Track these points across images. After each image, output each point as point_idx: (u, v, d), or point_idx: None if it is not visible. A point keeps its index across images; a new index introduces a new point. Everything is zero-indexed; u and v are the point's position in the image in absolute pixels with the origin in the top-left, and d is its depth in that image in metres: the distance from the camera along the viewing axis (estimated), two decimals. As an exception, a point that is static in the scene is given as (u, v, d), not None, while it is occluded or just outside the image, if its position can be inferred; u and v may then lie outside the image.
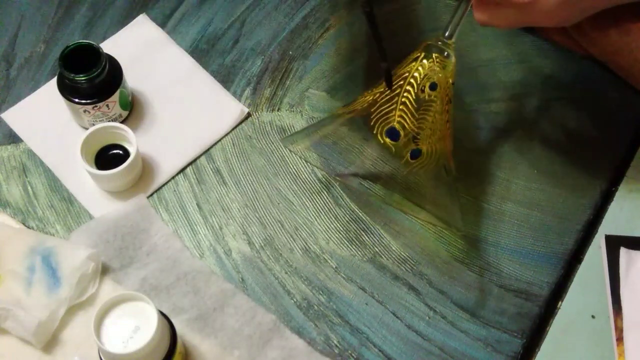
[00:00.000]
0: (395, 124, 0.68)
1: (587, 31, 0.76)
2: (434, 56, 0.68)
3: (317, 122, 0.78)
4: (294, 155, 0.79)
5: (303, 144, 0.77)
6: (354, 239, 0.75)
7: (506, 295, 0.73)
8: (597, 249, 0.75)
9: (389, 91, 0.68)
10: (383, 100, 0.69)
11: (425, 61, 0.68)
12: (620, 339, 0.70)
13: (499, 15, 0.66)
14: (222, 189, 0.77)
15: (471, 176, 0.78)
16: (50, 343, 0.69)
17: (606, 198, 0.77)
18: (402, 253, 0.75)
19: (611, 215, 0.76)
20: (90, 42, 0.75)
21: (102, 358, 0.62)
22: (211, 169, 0.78)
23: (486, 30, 0.79)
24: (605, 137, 0.80)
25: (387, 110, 0.69)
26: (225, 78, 0.83)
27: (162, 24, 0.86)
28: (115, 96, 0.76)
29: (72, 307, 0.69)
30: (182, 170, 0.78)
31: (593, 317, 0.72)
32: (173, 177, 0.78)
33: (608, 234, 0.75)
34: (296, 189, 0.77)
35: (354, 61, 0.84)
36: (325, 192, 0.77)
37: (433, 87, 0.68)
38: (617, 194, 0.77)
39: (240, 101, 0.82)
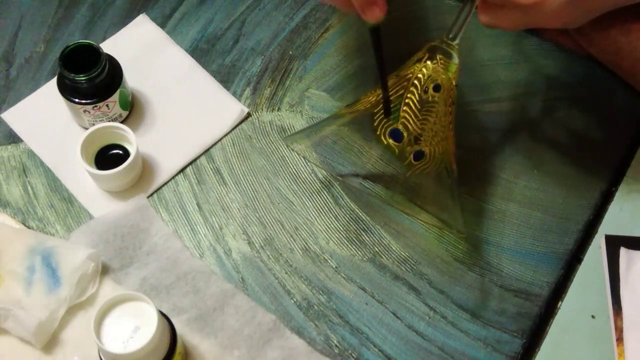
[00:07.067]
0: (398, 125, 0.68)
1: (587, 31, 0.76)
2: (437, 57, 0.68)
3: (319, 121, 0.78)
4: (294, 155, 0.79)
5: (304, 143, 0.77)
6: (354, 238, 0.75)
7: (506, 295, 0.73)
8: (597, 249, 0.75)
9: (392, 92, 0.68)
10: None
11: (429, 62, 0.68)
12: (620, 339, 0.70)
13: (503, 17, 0.65)
14: (222, 189, 0.77)
15: (472, 176, 0.78)
16: (50, 343, 0.69)
17: (606, 198, 0.77)
18: (402, 253, 0.75)
19: (611, 215, 0.76)
20: (90, 42, 0.75)
21: (102, 358, 0.62)
22: (211, 169, 0.78)
23: (488, 30, 0.79)
24: (606, 137, 0.80)
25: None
26: (225, 78, 0.83)
27: (162, 24, 0.86)
28: (115, 96, 0.76)
29: (72, 307, 0.69)
30: (182, 170, 0.78)
31: (593, 317, 0.72)
32: (173, 177, 0.78)
33: (608, 234, 0.75)
34: (296, 188, 0.77)
35: (354, 61, 0.84)
36: (325, 192, 0.77)
37: (437, 88, 0.68)
38: (617, 194, 0.77)
39: (240, 101, 0.82)
